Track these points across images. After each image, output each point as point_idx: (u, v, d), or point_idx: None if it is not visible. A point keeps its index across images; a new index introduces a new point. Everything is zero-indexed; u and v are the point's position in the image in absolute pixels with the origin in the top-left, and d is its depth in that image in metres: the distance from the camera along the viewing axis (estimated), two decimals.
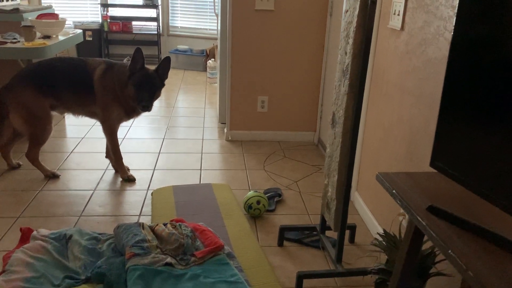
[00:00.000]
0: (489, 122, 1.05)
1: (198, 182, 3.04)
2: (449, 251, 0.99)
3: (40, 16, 3.78)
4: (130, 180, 2.98)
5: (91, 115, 2.98)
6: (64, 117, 4.26)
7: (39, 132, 2.90)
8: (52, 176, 2.99)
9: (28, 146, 2.95)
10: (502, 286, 0.87)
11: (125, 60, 6.87)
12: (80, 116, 3.03)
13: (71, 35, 3.95)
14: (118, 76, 2.81)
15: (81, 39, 4.24)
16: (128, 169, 3.08)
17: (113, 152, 2.99)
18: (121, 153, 3.00)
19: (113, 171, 3.14)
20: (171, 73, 6.59)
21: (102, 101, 2.84)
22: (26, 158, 2.97)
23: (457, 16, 1.15)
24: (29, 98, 2.79)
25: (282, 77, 3.73)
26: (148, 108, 2.78)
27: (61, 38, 3.76)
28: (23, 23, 3.80)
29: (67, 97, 2.87)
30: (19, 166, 3.15)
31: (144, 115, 4.47)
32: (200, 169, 3.24)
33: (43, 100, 2.83)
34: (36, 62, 2.91)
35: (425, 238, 1.46)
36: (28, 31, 3.44)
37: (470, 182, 1.10)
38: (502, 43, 1.01)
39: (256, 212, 2.60)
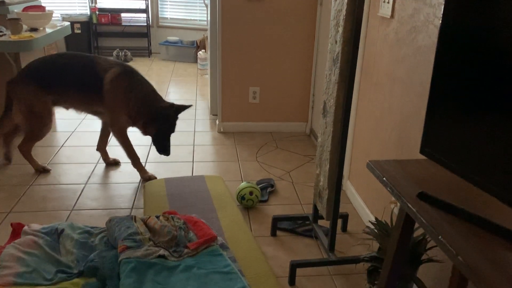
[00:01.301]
0: (478, 109, 1.05)
1: (191, 174, 3.03)
2: (439, 237, 0.99)
3: (26, 9, 3.72)
4: (151, 179, 2.86)
5: (95, 114, 2.93)
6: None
7: (37, 128, 2.86)
8: (43, 171, 2.97)
9: (23, 138, 2.91)
10: (491, 271, 0.88)
11: (114, 53, 6.79)
12: (83, 113, 2.98)
13: (58, 28, 3.89)
14: (135, 90, 2.73)
15: (69, 32, 4.18)
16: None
17: (128, 154, 2.89)
18: (137, 154, 2.91)
19: (104, 164, 3.12)
20: (162, 65, 6.55)
21: (111, 105, 2.76)
22: (18, 150, 2.93)
23: (445, 3, 1.15)
24: (31, 94, 2.75)
25: (273, 68, 3.71)
26: (168, 154, 2.82)
27: (48, 30, 3.70)
28: (9, 16, 3.74)
29: (71, 95, 2.81)
30: (9, 161, 3.10)
31: None
32: (192, 161, 3.23)
33: (46, 96, 2.78)
34: (44, 57, 2.86)
35: (416, 225, 1.47)
36: (14, 24, 3.38)
37: (460, 168, 1.11)
38: (490, 31, 1.01)
39: (249, 203, 2.60)
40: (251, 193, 2.59)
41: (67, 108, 2.95)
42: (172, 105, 2.77)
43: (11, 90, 2.79)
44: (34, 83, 2.75)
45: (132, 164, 2.92)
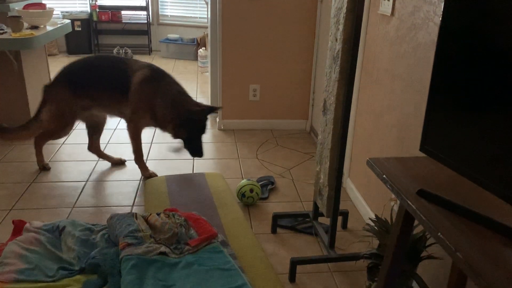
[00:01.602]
0: (477, 106, 1.05)
1: (191, 172, 3.04)
2: (439, 234, 1.00)
3: (27, 6, 3.72)
4: (152, 177, 2.86)
5: (120, 115, 2.91)
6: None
7: (57, 130, 2.89)
8: (43, 168, 2.98)
9: (42, 132, 2.93)
10: (490, 267, 0.89)
11: (114, 51, 6.80)
12: (112, 116, 2.98)
13: (59, 25, 3.89)
14: (163, 93, 2.71)
15: (70, 29, 4.18)
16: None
17: (134, 151, 2.88)
18: (143, 153, 2.91)
19: (105, 162, 3.12)
20: (162, 62, 6.55)
21: (135, 105, 2.75)
22: (33, 139, 2.96)
23: (445, 1, 1.15)
24: (62, 97, 2.78)
25: (273, 65, 3.71)
26: (201, 155, 2.81)
27: (49, 28, 3.71)
28: (9, 14, 3.74)
29: (102, 97, 2.80)
30: (122, 162, 3.13)
31: None
32: (193, 159, 3.24)
33: (75, 101, 2.79)
34: (77, 61, 2.88)
35: (416, 222, 1.48)
36: (15, 21, 3.39)
37: (459, 165, 1.11)
38: (490, 28, 1.01)
39: (249, 200, 2.61)
40: (251, 190, 2.60)
41: (98, 112, 2.93)
42: (200, 107, 2.73)
43: (46, 92, 2.83)
44: (66, 87, 2.78)
45: (135, 160, 2.91)
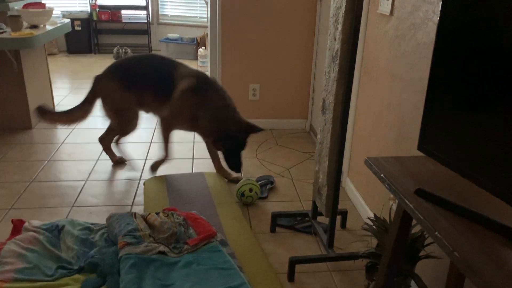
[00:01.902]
0: (475, 105, 1.05)
1: (191, 171, 3.04)
2: (436, 233, 1.00)
3: (26, 6, 3.72)
4: (154, 168, 2.88)
5: (159, 114, 2.87)
6: (54, 107, 4.22)
7: (123, 125, 2.90)
8: (119, 163, 3.04)
9: (107, 131, 2.99)
10: (488, 267, 0.89)
11: (114, 50, 6.79)
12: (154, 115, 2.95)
13: (59, 25, 3.89)
14: (206, 105, 2.64)
15: (70, 29, 4.18)
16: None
17: (164, 149, 2.84)
18: (169, 141, 2.85)
19: (105, 161, 3.12)
20: None
21: (174, 111, 2.70)
22: (99, 141, 3.02)
23: (443, 1, 1.15)
24: (114, 90, 2.78)
25: (273, 65, 3.71)
26: (238, 171, 2.75)
27: (48, 27, 3.71)
28: (9, 13, 3.75)
29: (147, 96, 2.78)
30: (122, 161, 3.13)
31: None
32: (192, 158, 3.24)
33: (128, 94, 2.78)
34: (130, 56, 2.89)
35: (414, 221, 1.48)
36: (14, 21, 3.39)
37: (457, 164, 1.11)
38: (487, 28, 1.01)
39: (248, 200, 2.61)
40: (250, 190, 2.60)
41: (147, 111, 2.91)
42: (240, 126, 2.65)
43: (97, 84, 2.84)
44: (116, 80, 2.78)
45: (161, 158, 2.88)
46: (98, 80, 2.84)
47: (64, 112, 2.96)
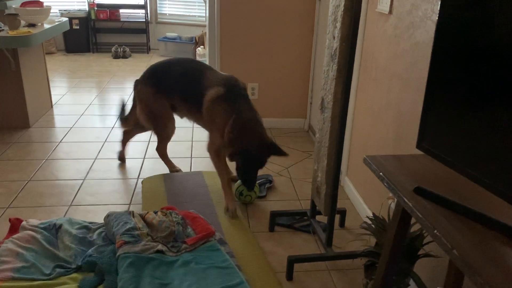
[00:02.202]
0: (474, 104, 1.05)
1: (189, 170, 3.04)
2: (435, 231, 1.00)
3: (24, 4, 3.71)
4: (231, 212, 2.44)
5: (200, 124, 2.79)
6: (52, 106, 4.21)
7: (159, 130, 2.86)
8: (176, 171, 2.97)
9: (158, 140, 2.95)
10: (486, 265, 0.89)
11: (113, 49, 6.78)
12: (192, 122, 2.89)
13: (57, 23, 3.88)
14: (234, 116, 2.46)
15: (67, 27, 4.17)
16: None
17: (218, 175, 2.59)
18: (229, 178, 2.62)
19: (103, 159, 3.11)
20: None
21: (208, 124, 2.61)
22: (156, 152, 2.98)
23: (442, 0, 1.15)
24: (148, 95, 2.75)
25: (272, 64, 3.71)
26: (251, 189, 2.54)
27: (46, 26, 3.70)
28: (7, 11, 3.73)
29: (179, 102, 2.74)
30: (123, 161, 3.11)
31: None
32: (191, 157, 3.24)
33: (161, 98, 2.73)
34: (165, 60, 2.85)
35: (413, 220, 1.48)
36: (12, 19, 3.38)
37: (456, 163, 1.11)
38: (486, 26, 1.01)
39: (247, 199, 2.60)
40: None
41: (181, 116, 2.86)
42: (265, 145, 2.47)
43: (135, 89, 2.83)
44: (149, 84, 2.75)
45: (222, 187, 2.58)
46: (135, 84, 2.84)
47: (124, 118, 3.03)
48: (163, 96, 2.73)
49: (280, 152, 2.47)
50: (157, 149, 2.97)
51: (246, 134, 2.44)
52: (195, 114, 2.67)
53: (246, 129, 2.45)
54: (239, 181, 2.63)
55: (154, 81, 2.75)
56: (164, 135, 2.89)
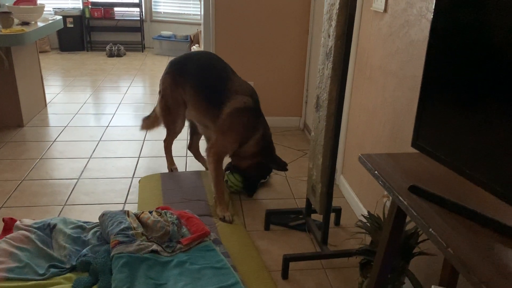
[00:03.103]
0: (469, 102, 1.05)
1: (184, 170, 3.03)
2: (430, 229, 1.00)
3: (17, 2, 3.68)
4: (226, 221, 2.36)
5: (205, 127, 2.75)
6: (46, 105, 4.19)
7: (169, 123, 2.84)
8: (171, 171, 2.95)
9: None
10: (481, 263, 0.89)
11: (107, 48, 6.74)
12: (196, 122, 2.84)
13: (50, 22, 3.86)
14: (253, 131, 2.51)
15: (61, 26, 4.14)
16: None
17: (214, 183, 2.49)
18: (224, 189, 2.55)
19: (97, 159, 3.10)
20: (155, 59, 6.51)
21: (221, 130, 2.49)
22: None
23: None
24: (167, 86, 2.73)
25: (267, 62, 3.70)
26: (251, 196, 2.71)
27: (40, 24, 3.67)
28: None
29: (195, 99, 2.65)
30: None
31: (128, 102, 4.42)
32: (186, 156, 3.23)
33: (176, 91, 2.69)
34: (189, 53, 2.84)
35: (408, 218, 1.48)
36: (5, 17, 3.35)
37: (451, 161, 1.11)
38: (481, 24, 1.01)
39: (231, 189, 2.70)
40: (226, 181, 2.69)
41: (192, 116, 2.78)
42: (276, 158, 2.64)
43: (160, 81, 2.82)
44: (171, 75, 2.72)
45: (215, 194, 2.48)
46: (162, 77, 2.82)
47: (148, 117, 3.04)
48: (179, 89, 2.70)
49: (283, 167, 2.63)
50: (164, 140, 2.96)
51: (269, 149, 2.62)
52: (209, 114, 2.57)
53: (270, 145, 2.63)
54: (228, 173, 2.71)
55: (175, 72, 2.72)
56: (172, 129, 2.88)
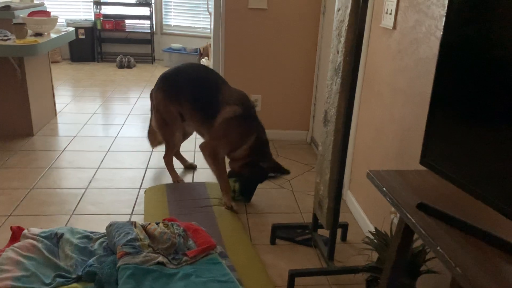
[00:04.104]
0: (478, 120, 1.05)
1: (191, 181, 3.04)
2: (438, 248, 0.99)
3: (31, 14, 3.75)
4: (234, 210, 2.60)
5: (201, 134, 2.89)
6: (56, 115, 4.24)
7: (167, 137, 2.91)
8: (177, 182, 2.97)
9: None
10: (489, 283, 0.88)
11: (118, 59, 6.82)
12: (193, 130, 3.00)
13: (63, 33, 3.92)
14: (246, 138, 2.62)
15: (73, 37, 4.21)
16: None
17: (216, 176, 2.71)
18: (226, 179, 2.71)
19: (105, 169, 3.12)
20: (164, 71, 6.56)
21: (215, 136, 2.65)
22: (163, 160, 3.03)
23: (446, 16, 1.16)
24: (160, 101, 2.81)
25: (275, 76, 3.73)
26: (248, 201, 2.77)
27: (53, 35, 3.74)
28: (14, 21, 3.77)
29: (189, 111, 2.77)
30: (192, 167, 3.21)
31: (137, 113, 4.46)
32: (193, 168, 3.23)
33: (171, 105, 2.79)
34: (179, 66, 2.88)
35: (416, 236, 1.47)
36: (19, 28, 3.41)
37: (459, 179, 1.11)
38: (490, 42, 1.02)
39: (235, 196, 2.76)
40: (236, 181, 2.74)
41: (189, 126, 2.92)
42: (271, 163, 2.70)
43: (151, 97, 2.90)
44: (163, 91, 2.80)
45: (221, 187, 2.72)
46: (151, 93, 2.91)
47: (148, 132, 3.15)
48: (171, 102, 2.79)
49: (283, 170, 2.71)
50: (164, 157, 3.01)
51: (262, 152, 2.67)
52: (204, 124, 2.72)
53: (262, 149, 2.68)
54: (233, 179, 2.75)
55: (166, 86, 2.81)
56: (171, 143, 2.94)
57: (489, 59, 1.02)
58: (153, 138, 3.17)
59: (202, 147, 2.72)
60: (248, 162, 2.66)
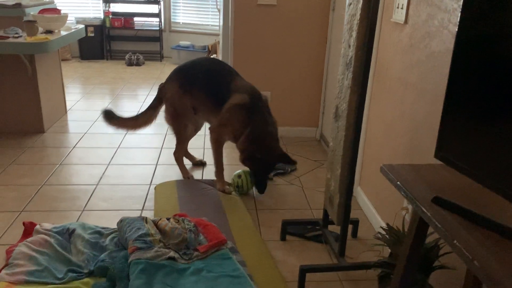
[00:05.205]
0: (494, 113, 1.04)
1: (201, 177, 3.04)
2: (455, 241, 0.98)
3: (42, 11, 3.78)
4: (226, 193, 2.75)
5: (209, 121, 2.94)
6: (66, 112, 4.26)
7: (179, 129, 2.94)
8: (187, 179, 2.99)
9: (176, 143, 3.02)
10: (507, 276, 0.87)
11: (126, 57, 6.84)
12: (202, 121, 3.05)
13: (73, 31, 3.94)
14: (251, 126, 2.66)
15: (83, 35, 4.23)
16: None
17: (215, 162, 2.82)
18: (223, 165, 2.84)
19: (116, 165, 3.13)
20: (173, 69, 6.57)
21: (223, 121, 2.71)
22: (173, 155, 3.05)
23: (462, 9, 1.14)
24: (174, 94, 2.84)
25: (284, 72, 3.72)
26: (262, 192, 2.78)
27: (63, 33, 3.76)
28: (25, 18, 3.81)
29: (202, 101, 2.82)
30: (201, 163, 3.24)
31: None
32: (203, 164, 3.24)
33: (184, 97, 2.82)
34: (194, 60, 2.93)
35: (429, 231, 1.46)
36: (30, 26, 3.44)
37: (475, 172, 1.09)
38: (508, 36, 1.00)
39: (243, 192, 2.77)
40: (239, 176, 2.76)
41: (199, 118, 2.97)
42: (275, 155, 2.70)
43: (162, 89, 2.92)
44: (177, 82, 2.84)
45: (215, 173, 2.84)
46: (162, 85, 2.93)
47: (130, 118, 3.05)
48: (187, 94, 2.82)
49: (289, 161, 2.70)
50: (175, 153, 3.03)
51: (260, 146, 2.66)
52: (214, 112, 2.77)
53: (261, 142, 2.67)
54: (236, 175, 2.78)
55: (181, 80, 2.84)
56: (183, 136, 2.97)
57: (506, 52, 1.00)
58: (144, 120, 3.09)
59: (210, 129, 2.80)
60: (247, 154, 2.69)
